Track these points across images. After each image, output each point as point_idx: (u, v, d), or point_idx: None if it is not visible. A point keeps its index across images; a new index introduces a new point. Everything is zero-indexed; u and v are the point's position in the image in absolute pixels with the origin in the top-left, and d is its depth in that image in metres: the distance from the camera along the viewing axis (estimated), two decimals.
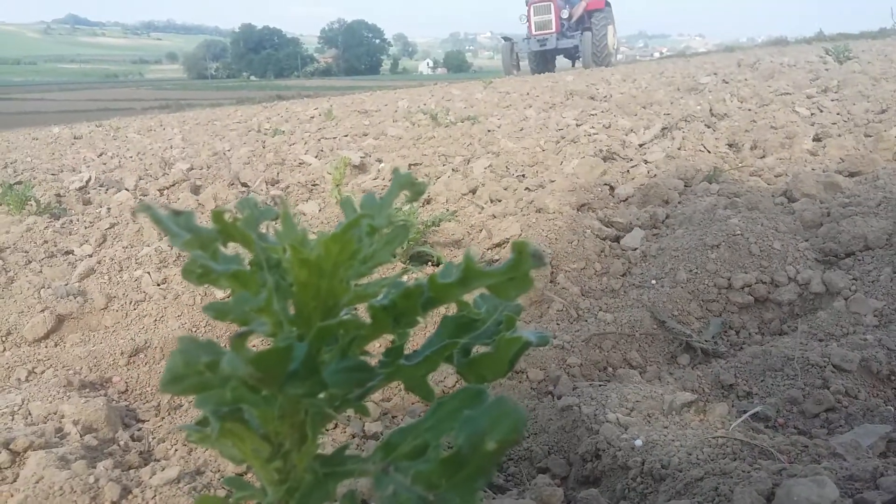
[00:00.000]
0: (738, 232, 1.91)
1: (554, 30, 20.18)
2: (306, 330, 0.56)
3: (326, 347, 0.52)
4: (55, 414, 1.48)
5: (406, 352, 0.63)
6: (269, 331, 0.55)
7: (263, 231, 0.62)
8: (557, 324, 1.75)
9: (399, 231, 0.62)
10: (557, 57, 22.36)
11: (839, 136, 3.33)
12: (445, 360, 0.61)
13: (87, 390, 1.68)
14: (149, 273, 2.44)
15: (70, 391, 1.60)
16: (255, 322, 0.50)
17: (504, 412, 0.52)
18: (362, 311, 0.64)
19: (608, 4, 21.35)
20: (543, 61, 21.69)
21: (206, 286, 1.90)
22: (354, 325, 0.50)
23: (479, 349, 0.63)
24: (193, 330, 2.05)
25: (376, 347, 0.65)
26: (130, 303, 2.26)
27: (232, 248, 0.60)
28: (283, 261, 0.57)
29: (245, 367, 0.42)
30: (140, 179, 4.31)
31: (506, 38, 21.91)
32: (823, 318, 1.62)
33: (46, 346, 2.10)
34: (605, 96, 6.63)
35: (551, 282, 1.96)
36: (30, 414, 1.49)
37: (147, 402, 1.72)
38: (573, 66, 20.91)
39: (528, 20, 20.73)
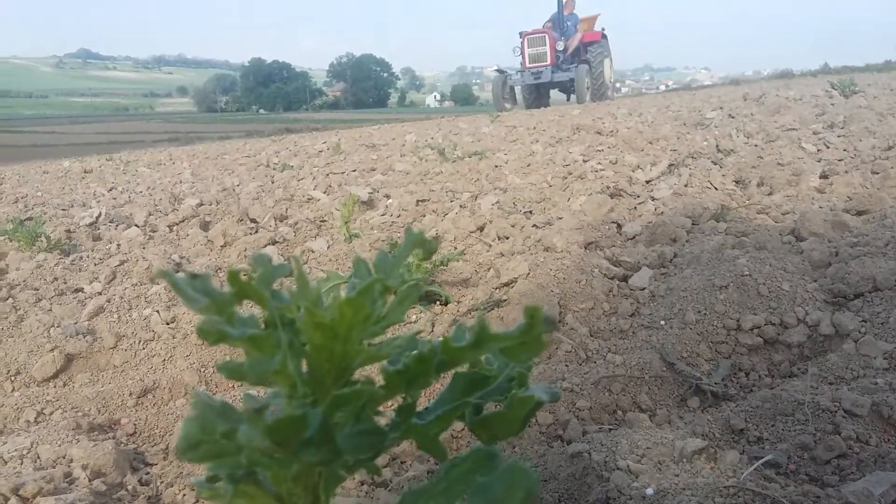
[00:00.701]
0: (747, 272, 1.91)
1: (549, 62, 19.30)
2: (320, 391, 0.57)
3: (340, 410, 0.53)
4: (64, 458, 1.48)
5: (418, 407, 0.63)
6: (283, 395, 0.55)
7: (278, 287, 0.63)
8: (566, 365, 1.75)
9: (411, 290, 0.63)
10: (552, 91, 21.63)
11: (846, 172, 3.34)
12: (458, 417, 0.61)
13: (96, 433, 1.68)
14: (158, 311, 2.44)
15: (79, 434, 1.60)
16: (270, 389, 0.51)
17: (517, 479, 0.53)
18: (376, 368, 0.64)
19: (605, 37, 20.74)
20: (538, 95, 21.03)
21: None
22: (368, 392, 0.50)
23: (491, 406, 0.64)
24: (202, 370, 2.05)
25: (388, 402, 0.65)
26: (139, 342, 2.27)
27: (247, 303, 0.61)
28: (298, 321, 0.58)
29: (261, 438, 0.42)
30: (150, 215, 4.34)
31: (499, 71, 20.93)
32: (833, 360, 1.61)
33: (55, 387, 2.10)
34: (612, 131, 6.67)
35: (560, 322, 1.96)
36: (38, 458, 1.49)
37: (155, 444, 1.72)
38: (568, 99, 20.37)
39: (522, 52, 19.83)
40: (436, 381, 0.56)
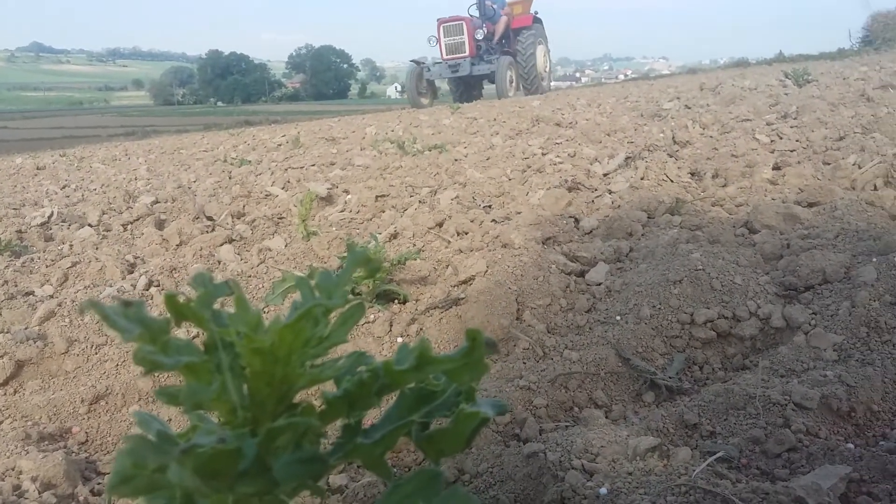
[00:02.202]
0: (700, 267, 1.94)
1: (467, 53, 17.07)
2: (261, 415, 0.56)
3: (277, 439, 0.52)
4: (13, 470, 1.45)
5: (366, 422, 0.63)
6: (221, 421, 0.55)
7: (220, 306, 0.62)
8: (524, 363, 1.75)
9: (355, 311, 0.62)
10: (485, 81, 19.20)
11: (798, 163, 3.40)
12: (404, 434, 0.61)
13: (46, 442, 1.65)
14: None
15: (28, 445, 1.56)
16: (202, 430, 0.50)
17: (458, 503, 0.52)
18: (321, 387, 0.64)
19: (538, 21, 18.60)
20: (466, 87, 18.79)
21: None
22: (306, 424, 0.50)
23: (438, 421, 0.63)
24: (156, 375, 2.02)
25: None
26: (91, 346, 2.23)
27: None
28: (237, 345, 0.57)
29: (191, 478, 0.42)
30: (104, 214, 4.26)
31: (415, 62, 18.29)
32: (784, 353, 1.64)
33: (5, 394, 2.05)
34: (571, 122, 6.71)
35: (517, 319, 1.96)
36: None
37: (107, 451, 1.69)
38: (499, 95, 17.19)
39: (439, 42, 17.51)
40: (377, 405, 0.55)
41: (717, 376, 1.69)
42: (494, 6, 18.09)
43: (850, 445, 1.31)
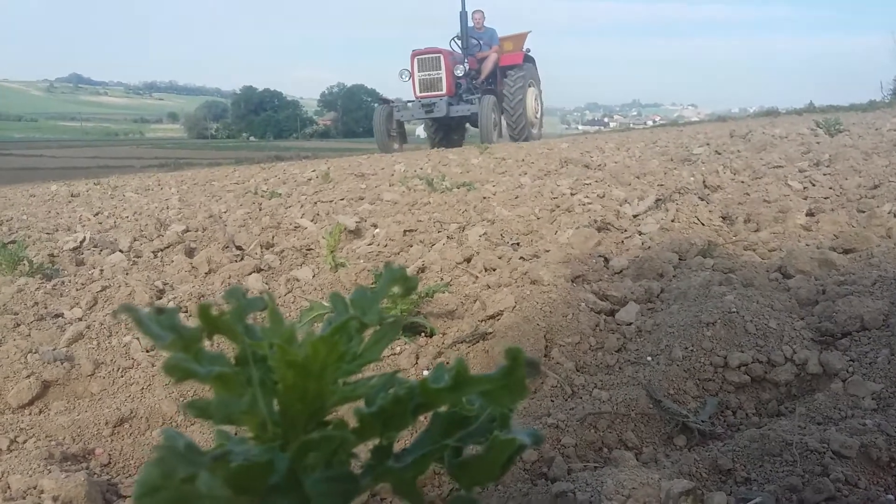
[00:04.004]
0: (734, 309, 1.90)
1: (444, 91, 14.60)
2: (292, 431, 0.54)
3: (310, 454, 0.50)
4: (35, 489, 1.44)
5: (396, 447, 0.61)
6: (251, 435, 0.53)
7: (252, 321, 0.61)
8: (552, 400, 1.72)
9: (390, 328, 0.60)
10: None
11: (832, 210, 3.36)
12: (436, 460, 0.59)
13: (69, 463, 1.64)
14: (138, 339, 2.40)
15: (51, 464, 1.55)
16: (235, 439, 0.48)
17: None
18: (351, 407, 0.62)
19: (530, 59, 16.05)
20: (445, 131, 16.49)
21: None
22: (340, 437, 0.48)
23: (471, 448, 0.61)
24: (181, 399, 2.01)
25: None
26: (118, 369, 2.23)
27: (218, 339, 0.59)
28: (270, 358, 0.55)
29: (222, 487, 0.40)
30: (135, 241, 4.30)
31: (382, 101, 15.65)
32: (821, 400, 1.59)
33: (30, 414, 2.05)
34: (600, 164, 6.71)
35: (545, 356, 1.93)
36: (9, 488, 1.45)
37: (129, 475, 1.67)
38: (483, 140, 14.42)
39: (412, 76, 14.97)
40: (412, 424, 0.53)
41: (751, 422, 1.64)
42: (481, 41, 15.57)
43: (891, 497, 1.26)
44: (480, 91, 15.19)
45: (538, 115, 16.27)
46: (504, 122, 15.39)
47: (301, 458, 0.47)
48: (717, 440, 1.55)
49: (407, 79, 15.01)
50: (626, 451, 1.51)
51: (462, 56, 15.35)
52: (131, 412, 1.93)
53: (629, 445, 1.55)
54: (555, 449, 1.49)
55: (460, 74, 14.86)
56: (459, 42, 15.52)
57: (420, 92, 14.88)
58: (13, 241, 4.25)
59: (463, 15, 15.12)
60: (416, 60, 14.84)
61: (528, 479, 1.40)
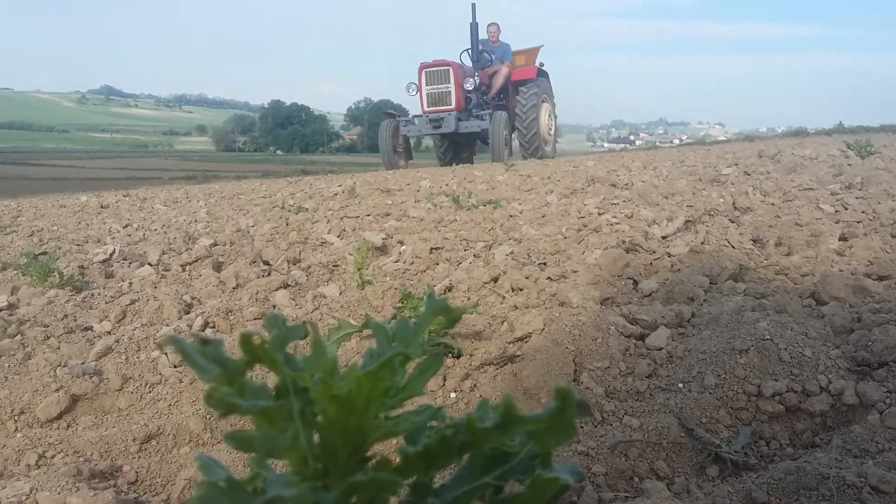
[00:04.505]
0: (768, 337, 1.87)
1: (453, 106, 13.88)
2: (333, 466, 0.53)
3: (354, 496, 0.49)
4: None
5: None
6: (291, 469, 0.52)
7: (292, 349, 0.60)
8: (581, 427, 1.70)
9: (433, 361, 0.60)
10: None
11: (865, 235, 3.30)
12: (477, 497, 0.58)
13: (97, 480, 1.64)
14: (166, 354, 2.41)
15: (79, 481, 1.56)
16: (271, 479, 0.47)
17: None
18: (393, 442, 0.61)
19: (543, 74, 15.30)
20: (456, 147, 15.84)
21: None
22: (389, 480, 0.47)
23: (512, 485, 0.60)
24: (208, 416, 2.01)
25: None
26: (146, 385, 2.24)
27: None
28: (311, 390, 0.55)
29: None
30: (163, 254, 4.34)
31: (388, 115, 14.93)
32: (858, 432, 1.56)
33: (59, 428, 2.06)
34: (627, 184, 6.67)
35: (574, 381, 1.91)
36: None
37: (156, 493, 1.67)
38: (494, 158, 13.90)
39: (419, 90, 14.23)
40: (457, 463, 0.52)
41: (786, 453, 1.61)
42: (493, 56, 14.80)
43: None
44: (491, 106, 14.44)
45: (552, 132, 15.47)
46: (516, 140, 14.87)
47: (347, 499, 0.46)
48: (750, 471, 1.52)
49: (414, 93, 14.34)
50: (658, 480, 1.49)
51: (472, 69, 14.63)
52: (158, 429, 1.93)
53: (661, 475, 1.52)
54: (585, 478, 1.47)
55: (470, 88, 14.11)
56: (470, 55, 14.82)
57: (428, 106, 14.20)
58: (44, 253, 4.31)
59: (474, 26, 14.43)
60: (423, 73, 14.18)
61: None
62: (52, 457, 1.81)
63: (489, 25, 14.74)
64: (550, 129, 15.29)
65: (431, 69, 14.07)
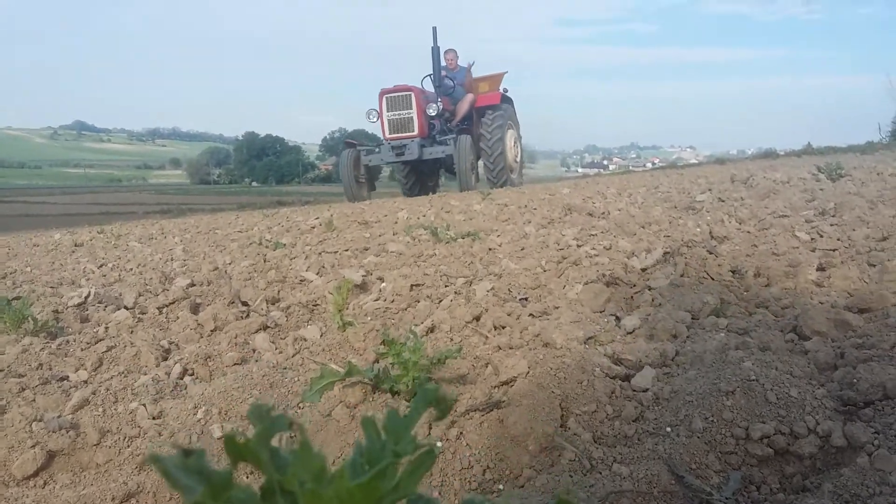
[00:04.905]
0: (753, 377, 1.86)
1: (416, 132, 13.32)
2: None
3: None
4: None
5: None
6: None
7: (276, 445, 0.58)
8: (570, 476, 1.68)
9: (425, 458, 0.58)
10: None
11: (842, 264, 3.33)
12: None
13: None
14: (144, 405, 2.37)
15: None
16: None
17: None
18: None
19: (508, 100, 14.77)
20: (419, 175, 15.44)
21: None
22: None
23: None
24: None
25: None
26: (124, 438, 2.19)
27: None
28: (299, 496, 0.53)
29: None
30: (140, 296, 4.28)
31: (348, 144, 14.28)
32: (848, 475, 1.55)
33: (35, 486, 2.01)
34: (603, 213, 6.71)
35: (562, 426, 1.89)
36: None
37: None
38: (461, 186, 13.23)
39: (380, 117, 13.62)
40: None
41: (776, 498, 1.60)
42: (454, 82, 14.39)
43: None
44: (452, 133, 13.85)
45: (518, 160, 15.02)
46: (482, 166, 14.21)
47: None
48: None
49: (375, 119, 13.67)
50: None
51: (435, 95, 14.07)
52: (138, 486, 1.89)
53: None
54: None
55: (433, 114, 13.54)
56: (432, 80, 14.36)
57: (389, 133, 13.56)
58: (17, 297, 4.23)
59: (435, 50, 14.00)
60: (384, 99, 13.54)
61: None
62: None
63: (446, 52, 14.41)
64: (517, 156, 14.92)
65: (392, 95, 13.48)
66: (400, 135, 13.41)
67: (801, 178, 8.95)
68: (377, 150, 13.77)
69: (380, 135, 14.02)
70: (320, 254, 5.52)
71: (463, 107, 14.16)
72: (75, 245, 8.91)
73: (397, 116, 13.44)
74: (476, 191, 12.18)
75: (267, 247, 6.50)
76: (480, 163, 14.10)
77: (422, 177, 15.51)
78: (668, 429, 1.81)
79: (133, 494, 1.86)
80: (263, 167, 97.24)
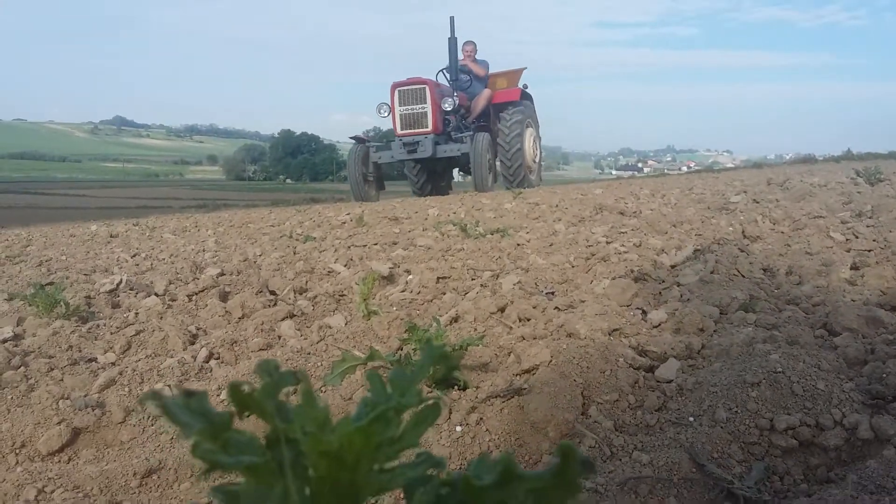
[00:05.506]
0: (780, 369, 1.83)
1: (430, 128, 12.37)
2: None
3: None
4: None
5: None
6: None
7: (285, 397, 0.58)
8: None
9: (430, 411, 0.57)
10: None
11: (877, 264, 3.26)
12: None
13: None
14: (169, 386, 2.40)
15: None
16: None
17: None
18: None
19: (528, 97, 14.09)
20: (431, 174, 14.49)
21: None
22: None
23: None
24: None
25: None
26: (148, 418, 2.21)
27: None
28: (302, 444, 0.52)
29: None
30: (170, 284, 4.33)
31: (356, 140, 13.24)
32: (874, 467, 1.52)
33: (59, 462, 2.04)
34: (635, 212, 6.65)
35: (583, 414, 1.88)
36: None
37: None
38: (476, 186, 12.30)
39: (392, 112, 12.68)
40: None
41: (800, 489, 1.56)
42: (471, 78, 13.65)
43: None
44: (469, 129, 13.01)
45: (536, 159, 14.19)
46: (499, 165, 13.38)
47: None
48: None
49: (386, 114, 12.69)
50: None
51: (451, 89, 13.18)
52: (160, 463, 1.91)
53: None
54: None
55: (449, 109, 12.50)
56: (448, 74, 13.54)
57: (401, 129, 12.58)
58: (51, 283, 4.31)
59: (452, 41, 13.19)
60: (396, 92, 12.57)
61: None
62: (52, 492, 1.78)
63: (465, 44, 13.60)
64: (535, 156, 14.15)
65: (405, 88, 12.51)
66: (413, 131, 12.52)
67: (839, 181, 8.80)
68: (389, 146, 12.95)
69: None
70: (349, 247, 5.54)
71: (480, 102, 13.44)
72: (111, 236, 9.05)
73: (410, 111, 12.54)
74: (508, 190, 11.78)
75: (297, 240, 6.54)
76: (497, 162, 13.39)
77: (434, 176, 14.68)
78: (691, 419, 1.78)
79: (155, 470, 1.88)
80: (298, 165, 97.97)
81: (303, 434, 0.52)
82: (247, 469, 0.48)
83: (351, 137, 13.54)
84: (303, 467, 0.51)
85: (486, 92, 13.46)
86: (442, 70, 13.58)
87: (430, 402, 0.57)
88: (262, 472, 0.49)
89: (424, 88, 12.40)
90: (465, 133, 12.65)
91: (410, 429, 0.55)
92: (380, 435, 0.50)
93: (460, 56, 13.60)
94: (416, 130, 12.45)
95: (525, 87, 14.11)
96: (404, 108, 12.52)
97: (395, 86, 12.62)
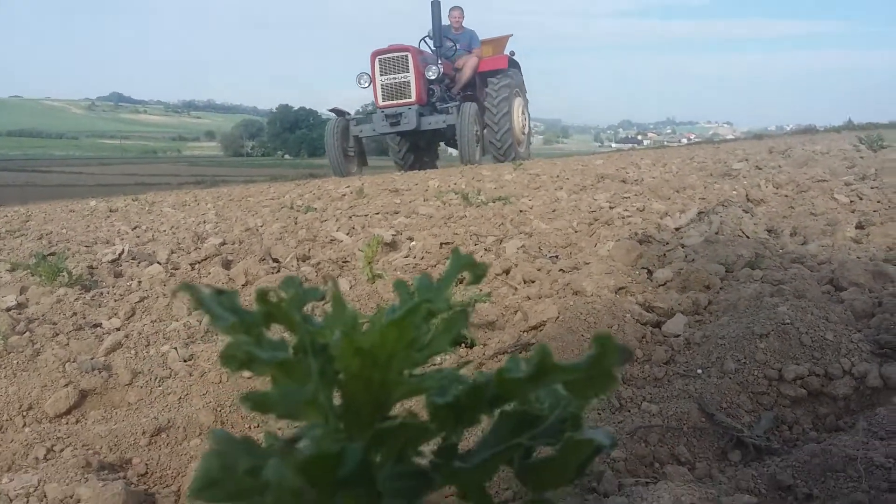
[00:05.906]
0: (788, 321, 1.83)
1: (414, 99, 11.58)
2: (355, 425, 0.50)
3: (380, 447, 0.46)
4: (71, 497, 1.42)
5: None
6: (317, 434, 0.49)
7: (308, 313, 0.57)
8: (599, 413, 1.66)
9: (458, 317, 0.57)
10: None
11: (882, 224, 3.26)
12: (505, 462, 0.55)
13: (106, 472, 1.61)
14: (176, 349, 2.39)
15: (88, 473, 1.53)
16: (304, 424, 0.44)
17: None
18: (415, 403, 0.58)
19: (515, 65, 13.36)
20: (417, 149, 13.66)
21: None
22: (415, 427, 0.44)
23: (541, 450, 0.57)
24: (218, 409, 1.98)
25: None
26: (155, 379, 2.21)
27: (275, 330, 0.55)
28: (331, 347, 0.51)
29: (293, 476, 0.36)
30: (172, 253, 4.32)
31: (336, 112, 12.43)
32: (883, 414, 1.52)
33: (67, 423, 2.04)
34: (637, 180, 6.63)
35: None
36: (45, 497, 1.43)
37: (167, 486, 1.64)
38: (463, 159, 11.57)
39: (373, 81, 11.83)
40: (489, 415, 0.49)
41: (809, 437, 1.57)
42: (457, 45, 12.70)
43: None
44: (454, 100, 12.34)
45: (525, 131, 13.58)
46: (486, 138, 12.65)
47: (373, 448, 0.43)
48: (774, 456, 1.48)
49: (367, 84, 11.85)
50: (679, 465, 1.45)
51: (435, 57, 12.42)
52: (168, 422, 1.91)
53: (681, 460, 1.49)
54: (604, 463, 1.43)
55: (433, 78, 11.76)
56: (431, 41, 12.63)
57: (383, 100, 11.74)
58: (52, 253, 4.30)
59: (435, 5, 12.21)
60: (377, 61, 11.68)
61: (578, 494, 1.34)
62: (61, 450, 1.78)
63: (452, 10, 12.68)
64: (524, 126, 13.46)
65: (386, 56, 11.64)
66: (395, 101, 11.66)
67: (842, 148, 8.77)
68: (371, 118, 12.14)
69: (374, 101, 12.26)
70: (351, 217, 5.53)
71: (466, 71, 12.60)
72: (110, 211, 9.02)
73: (392, 80, 11.67)
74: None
75: (298, 211, 6.52)
76: (485, 133, 12.71)
77: (418, 150, 13.86)
78: (700, 371, 1.78)
79: (164, 429, 1.88)
80: (296, 140, 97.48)
81: (335, 335, 0.51)
82: (280, 366, 0.47)
83: (330, 110, 12.78)
84: (332, 373, 0.51)
85: (473, 59, 12.69)
86: (424, 37, 12.79)
87: (459, 308, 0.57)
88: (295, 371, 0.48)
89: (407, 56, 11.62)
90: (450, 104, 11.96)
91: (440, 333, 0.54)
92: (412, 332, 0.49)
93: (446, 22, 12.83)
94: (399, 101, 11.68)
95: (512, 53, 13.52)
96: (385, 77, 11.72)
97: (375, 54, 11.81)
